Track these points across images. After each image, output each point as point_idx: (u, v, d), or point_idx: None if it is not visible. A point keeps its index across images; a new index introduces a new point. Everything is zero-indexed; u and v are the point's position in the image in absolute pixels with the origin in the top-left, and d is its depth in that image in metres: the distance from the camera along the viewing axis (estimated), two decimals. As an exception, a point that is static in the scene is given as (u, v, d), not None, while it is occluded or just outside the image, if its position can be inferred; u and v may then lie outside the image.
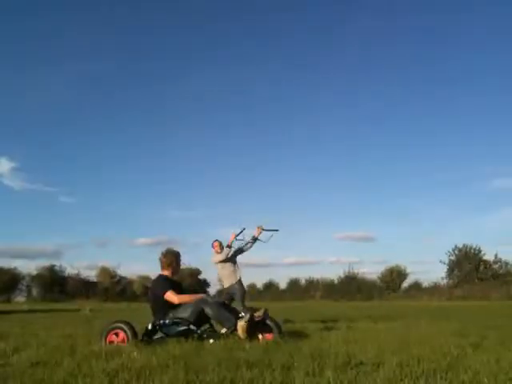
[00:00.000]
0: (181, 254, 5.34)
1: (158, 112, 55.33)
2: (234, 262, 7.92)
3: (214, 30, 52.31)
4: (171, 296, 4.83)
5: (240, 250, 8.04)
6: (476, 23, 48.40)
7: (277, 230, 7.84)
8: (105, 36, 51.84)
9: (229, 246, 7.82)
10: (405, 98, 51.80)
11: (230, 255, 7.81)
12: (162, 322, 4.76)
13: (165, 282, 4.99)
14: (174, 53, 52.95)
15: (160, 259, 5.22)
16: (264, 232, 7.88)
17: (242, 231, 7.87)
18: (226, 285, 7.87)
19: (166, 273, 5.15)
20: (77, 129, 54.32)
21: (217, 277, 8.05)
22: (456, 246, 37.45)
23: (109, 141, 54.59)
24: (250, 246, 8.00)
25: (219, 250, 7.91)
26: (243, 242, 7.97)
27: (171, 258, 5.18)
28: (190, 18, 52.37)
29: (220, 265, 7.85)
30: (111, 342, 4.57)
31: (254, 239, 7.91)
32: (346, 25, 51.29)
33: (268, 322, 4.81)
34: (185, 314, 4.73)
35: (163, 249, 5.34)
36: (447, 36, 49.64)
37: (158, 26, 51.70)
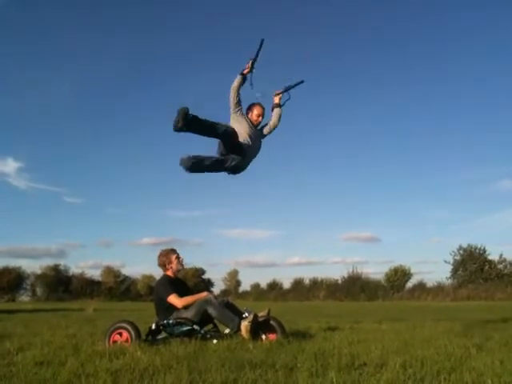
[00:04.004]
0: (175, 249, 5.23)
1: (162, 112, 55.43)
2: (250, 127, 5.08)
3: (220, 30, 52.39)
4: (174, 300, 4.83)
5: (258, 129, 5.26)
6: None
7: (302, 82, 5.43)
8: (108, 36, 52.04)
9: (243, 76, 5.11)
10: (408, 97, 51.74)
11: (238, 102, 5.13)
12: (165, 321, 4.77)
13: (167, 285, 4.97)
14: (176, 53, 53.12)
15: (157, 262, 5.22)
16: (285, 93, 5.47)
17: (261, 44, 5.11)
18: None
19: (168, 273, 5.16)
20: (82, 129, 54.60)
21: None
22: (460, 246, 37.33)
23: (113, 141, 54.83)
24: (278, 120, 5.38)
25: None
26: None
27: (162, 258, 5.15)
28: (194, 18, 52.47)
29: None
30: (115, 342, 4.58)
31: (278, 106, 5.40)
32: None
33: (271, 322, 4.81)
34: (188, 314, 4.74)
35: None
36: (451, 35, 49.47)
37: (162, 25, 51.80)
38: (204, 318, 4.79)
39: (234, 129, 4.80)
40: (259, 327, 4.66)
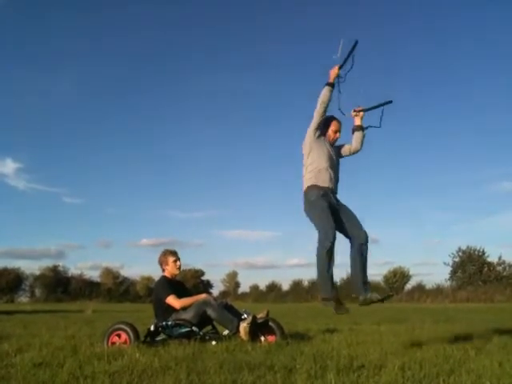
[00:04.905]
0: (176, 252, 5.23)
1: (162, 114, 55.50)
2: (330, 157, 4.34)
3: (220, 30, 52.44)
4: (173, 301, 4.83)
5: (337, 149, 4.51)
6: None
7: (390, 102, 4.42)
8: (108, 36, 52.08)
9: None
10: (409, 97, 51.73)
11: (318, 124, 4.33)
12: (164, 323, 4.76)
13: (166, 286, 4.98)
14: (176, 53, 53.18)
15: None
16: (368, 112, 4.53)
17: (354, 46, 4.25)
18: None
19: (166, 274, 5.16)
20: (81, 130, 54.65)
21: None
22: (460, 248, 37.41)
23: (113, 141, 54.86)
24: (361, 142, 4.51)
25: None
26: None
27: (161, 258, 5.18)
28: (195, 18, 52.54)
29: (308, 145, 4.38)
30: (113, 344, 4.57)
31: (360, 128, 4.50)
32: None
33: (270, 323, 4.80)
34: (187, 315, 4.73)
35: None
36: (451, 35, 49.53)
37: (162, 25, 51.83)
38: (203, 320, 4.79)
39: (327, 228, 4.23)
40: (258, 329, 4.66)
